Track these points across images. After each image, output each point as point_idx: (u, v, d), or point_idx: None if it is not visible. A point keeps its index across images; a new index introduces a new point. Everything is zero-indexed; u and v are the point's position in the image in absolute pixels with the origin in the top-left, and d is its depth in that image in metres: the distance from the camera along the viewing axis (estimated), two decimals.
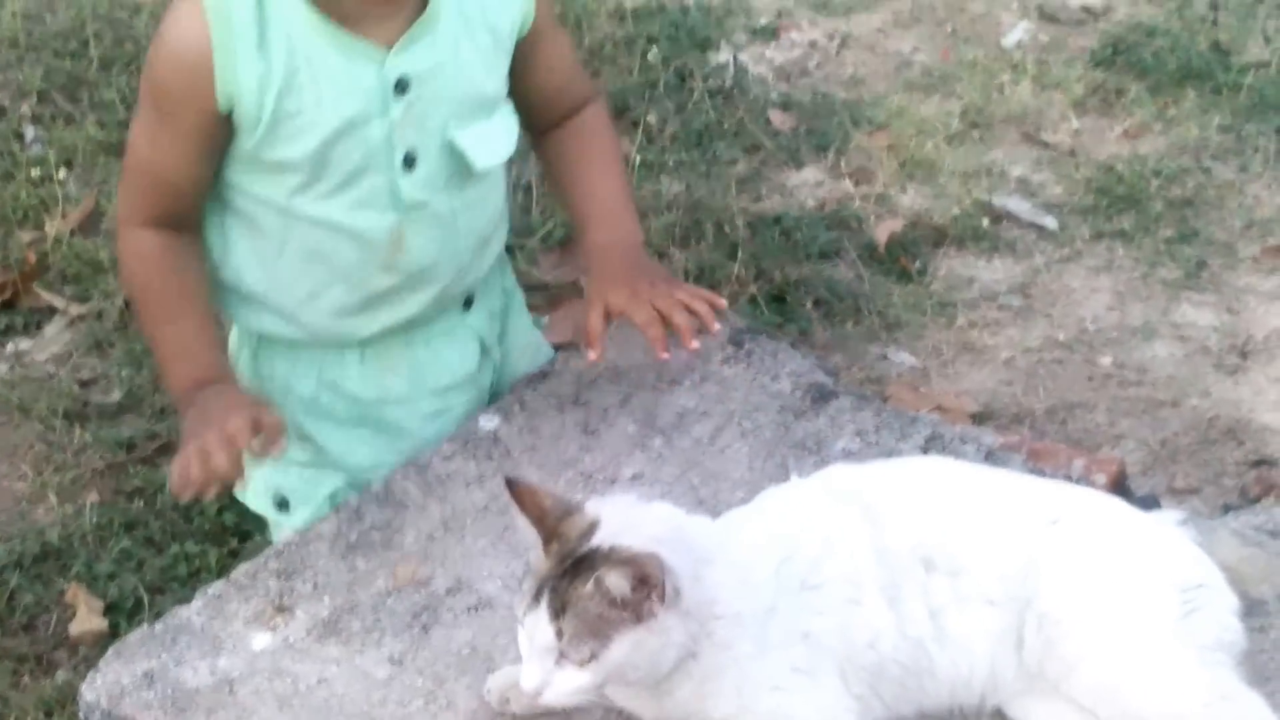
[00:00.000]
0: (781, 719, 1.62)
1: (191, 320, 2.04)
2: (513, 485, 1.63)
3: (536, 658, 1.56)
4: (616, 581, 1.53)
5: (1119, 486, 2.15)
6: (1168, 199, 3.80)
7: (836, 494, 1.75)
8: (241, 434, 1.86)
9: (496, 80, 2.09)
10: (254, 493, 2.22)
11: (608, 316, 2.11)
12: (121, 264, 2.12)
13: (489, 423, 2.13)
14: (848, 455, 2.04)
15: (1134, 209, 3.76)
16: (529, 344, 2.36)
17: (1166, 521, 1.80)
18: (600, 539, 1.58)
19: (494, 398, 2.24)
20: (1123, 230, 3.70)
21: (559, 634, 1.54)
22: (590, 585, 1.54)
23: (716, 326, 2.09)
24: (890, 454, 2.02)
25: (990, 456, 2.05)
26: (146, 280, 2.05)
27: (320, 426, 2.15)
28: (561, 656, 1.55)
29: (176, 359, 2.02)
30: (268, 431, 1.88)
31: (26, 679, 2.64)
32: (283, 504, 2.19)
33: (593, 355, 2.12)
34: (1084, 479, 2.11)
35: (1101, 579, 1.69)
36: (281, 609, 1.84)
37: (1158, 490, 2.93)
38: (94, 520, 2.89)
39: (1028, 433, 3.02)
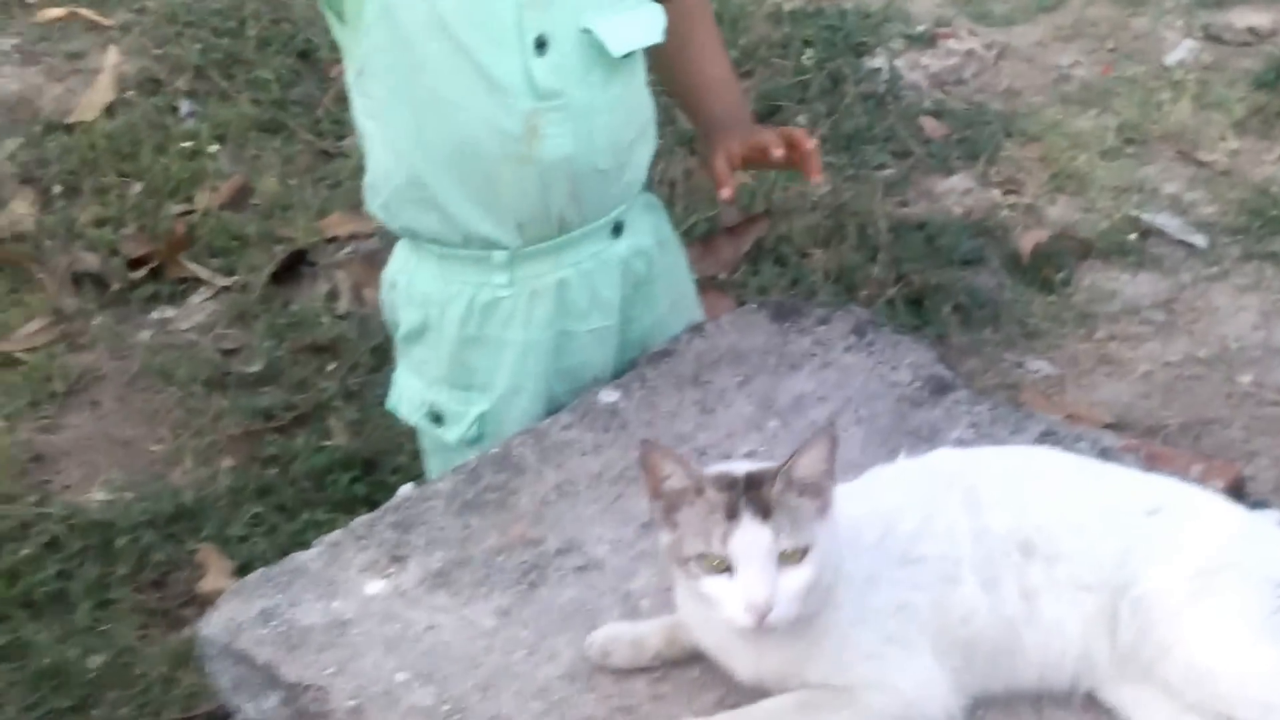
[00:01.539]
0: (874, 685, 1.65)
1: None
2: (648, 448, 1.63)
3: (758, 570, 1.56)
4: (810, 461, 1.58)
5: (1236, 493, 2.13)
6: None
7: (940, 475, 1.78)
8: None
9: None
10: (406, 406, 2.27)
11: (731, 163, 2.20)
12: None
13: (609, 396, 2.17)
14: (960, 444, 2.04)
15: None
16: (682, 296, 2.39)
17: (1268, 520, 1.80)
18: (750, 466, 1.63)
19: (631, 348, 2.27)
20: (1273, 252, 3.66)
21: (776, 532, 1.56)
22: (782, 478, 1.57)
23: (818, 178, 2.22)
24: (1001, 445, 2.03)
25: (1104, 455, 2.04)
26: None
27: (472, 349, 2.18)
28: (782, 560, 1.57)
29: None
30: None
31: (154, 632, 2.72)
32: (437, 417, 2.24)
33: (726, 192, 2.21)
34: (1200, 484, 2.10)
35: (1198, 568, 1.69)
36: (396, 559, 1.90)
37: None
38: (228, 485, 2.98)
39: (1150, 440, 3.00)
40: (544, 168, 2.10)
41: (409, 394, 2.28)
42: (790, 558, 1.57)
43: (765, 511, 1.57)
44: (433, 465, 2.28)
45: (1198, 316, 3.49)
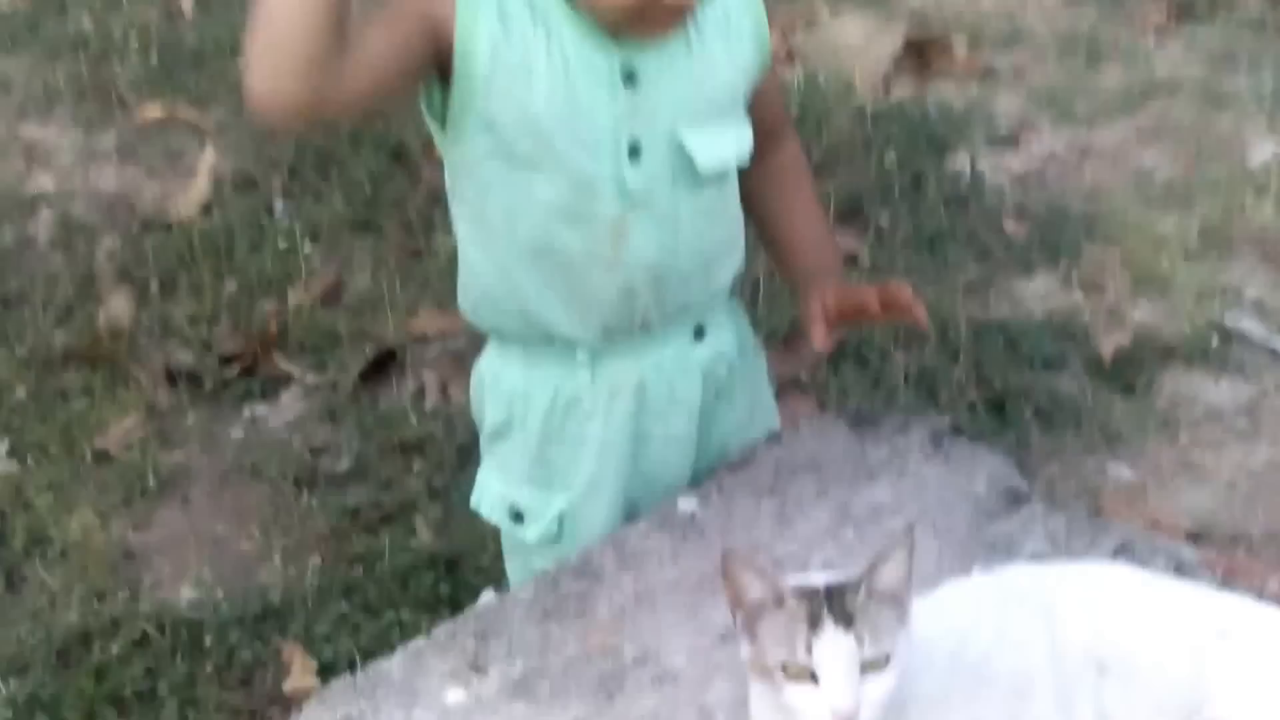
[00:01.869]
0: None
1: None
2: (730, 557, 1.65)
3: (842, 677, 1.57)
4: (892, 571, 1.60)
5: None
6: None
7: (1014, 591, 1.79)
8: None
9: (730, 88, 2.13)
10: (488, 505, 2.32)
11: (826, 315, 2.18)
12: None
13: (687, 505, 2.20)
14: (1036, 558, 2.06)
15: None
16: (761, 403, 2.42)
17: None
18: (829, 578, 1.64)
19: (708, 455, 2.30)
20: None
21: (859, 641, 1.57)
22: (866, 587, 1.59)
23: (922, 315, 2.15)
24: (1077, 559, 2.04)
25: (1180, 569, 2.05)
26: None
27: (553, 446, 2.22)
28: (866, 667, 1.58)
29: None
30: None
31: None
32: (517, 515, 2.28)
33: (819, 338, 2.20)
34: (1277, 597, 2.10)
35: (1269, 692, 1.70)
36: (476, 668, 1.93)
37: None
38: (315, 583, 3.03)
39: (1227, 552, 2.99)
40: (629, 270, 2.14)
41: (491, 492, 2.33)
42: (873, 666, 1.59)
43: (848, 620, 1.59)
44: (513, 566, 2.32)
45: None
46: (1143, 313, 3.83)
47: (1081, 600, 1.77)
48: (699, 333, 2.26)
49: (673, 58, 2.06)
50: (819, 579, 1.66)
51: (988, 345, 3.61)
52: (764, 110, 2.22)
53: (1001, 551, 2.09)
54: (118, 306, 3.81)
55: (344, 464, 3.35)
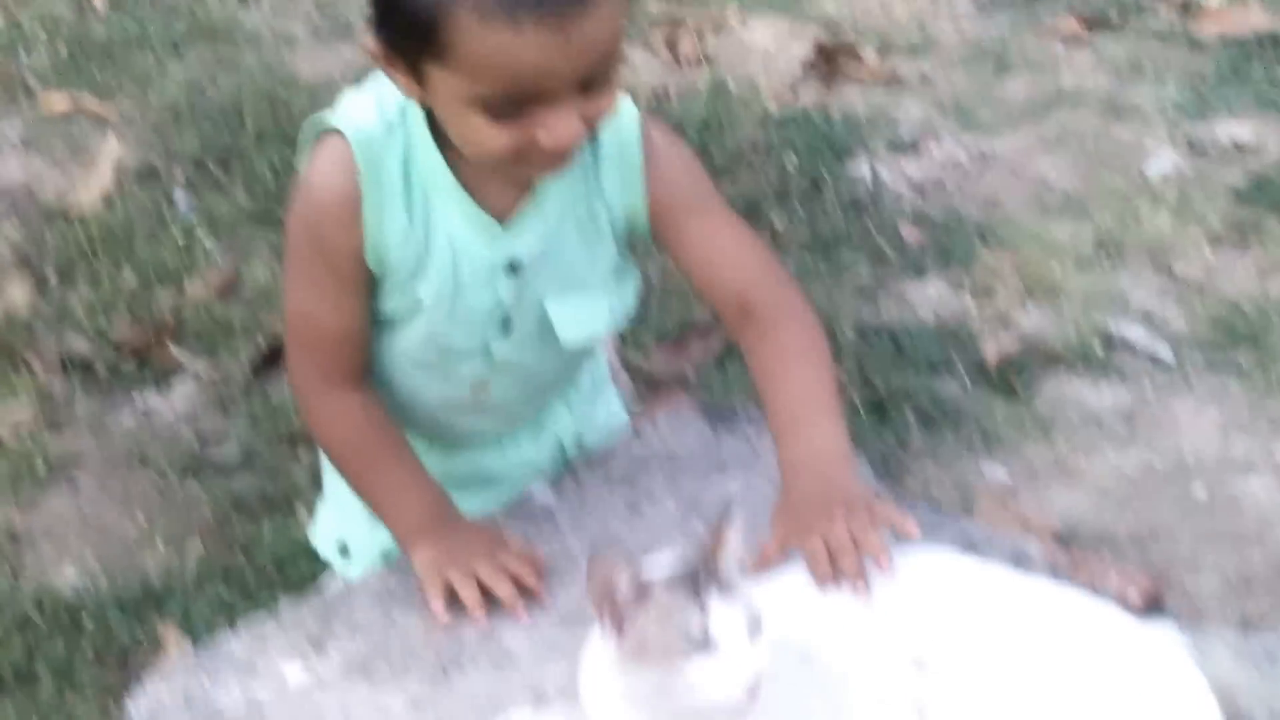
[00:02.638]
0: None
1: (408, 462, 2.13)
2: (594, 562, 1.67)
3: (739, 643, 1.63)
4: (732, 537, 1.66)
5: (1155, 605, 2.19)
6: None
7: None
8: (525, 571, 2.01)
9: (597, 262, 2.10)
10: (322, 537, 2.37)
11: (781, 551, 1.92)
12: (321, 430, 2.15)
13: (543, 496, 2.25)
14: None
15: (1253, 345, 3.76)
16: (613, 427, 2.48)
17: (1163, 634, 1.86)
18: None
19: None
20: (1238, 365, 3.71)
21: (742, 608, 1.64)
22: (723, 554, 1.66)
23: (885, 560, 1.83)
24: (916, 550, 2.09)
25: (1018, 562, 2.11)
26: (359, 439, 2.11)
27: None
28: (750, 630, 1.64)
29: (404, 500, 2.09)
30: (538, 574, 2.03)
31: (116, 711, 2.79)
32: (344, 550, 2.33)
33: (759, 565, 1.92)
34: (1118, 593, 2.16)
35: (1087, 686, 1.75)
36: (318, 647, 1.97)
37: (1230, 620, 2.96)
38: (195, 568, 3.07)
39: (1072, 549, 3.04)
40: (487, 410, 2.23)
41: (325, 525, 2.39)
42: (754, 628, 1.65)
43: (725, 589, 1.64)
44: None
45: (1157, 428, 3.55)
46: (1031, 319, 3.89)
47: (903, 594, 1.83)
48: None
49: (555, 244, 2.05)
50: (665, 560, 1.71)
51: (874, 348, 3.67)
52: (723, 287, 2.09)
53: None
54: (15, 294, 3.83)
55: (232, 453, 3.39)
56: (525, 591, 2.02)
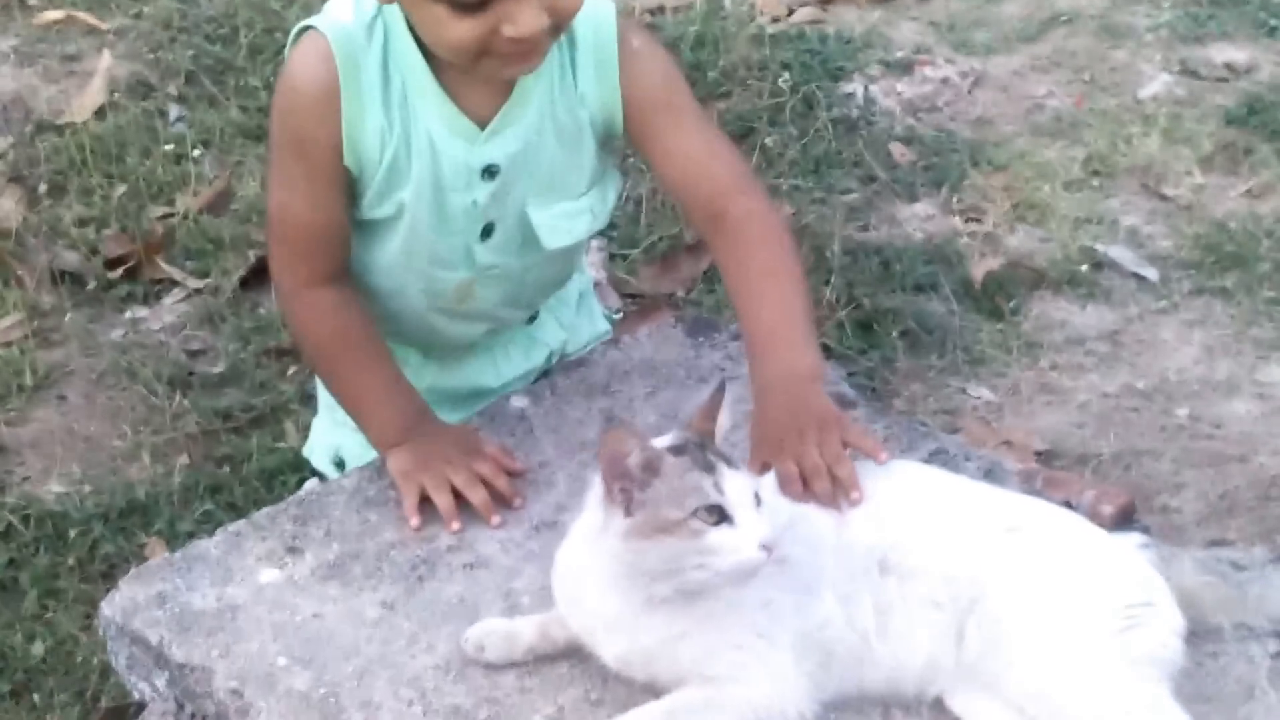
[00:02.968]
0: (736, 677, 1.74)
1: (386, 366, 2.15)
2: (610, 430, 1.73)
3: (752, 508, 1.69)
4: (722, 416, 1.76)
5: (1126, 519, 2.21)
6: (1277, 261, 3.79)
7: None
8: (498, 476, 2.04)
9: (578, 167, 2.13)
10: (317, 450, 2.39)
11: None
12: (300, 328, 2.18)
13: (519, 402, 2.27)
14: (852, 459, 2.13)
15: (1240, 267, 3.76)
16: (595, 335, 2.50)
17: (1128, 543, 1.88)
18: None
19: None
20: (1224, 287, 3.71)
21: (747, 475, 1.72)
22: (715, 432, 1.75)
23: (855, 494, 1.86)
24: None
25: (989, 475, 2.12)
26: (337, 338, 2.13)
27: None
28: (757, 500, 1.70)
29: (380, 404, 2.11)
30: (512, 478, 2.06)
31: (97, 623, 2.81)
32: (340, 464, 2.34)
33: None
34: (1091, 508, 2.17)
35: (1047, 586, 1.78)
36: (293, 550, 2.00)
37: (1210, 539, 2.97)
38: (181, 481, 3.07)
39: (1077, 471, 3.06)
40: (471, 315, 2.25)
41: (319, 438, 2.41)
42: (758, 498, 1.71)
43: (728, 461, 1.72)
44: None
45: (1142, 349, 3.55)
46: (1019, 240, 3.89)
47: (871, 501, 1.85)
48: (532, 318, 2.39)
49: (533, 148, 2.08)
50: (662, 440, 1.75)
51: (862, 267, 3.68)
52: (670, 166, 2.13)
53: None
54: (6, 206, 3.82)
55: (219, 368, 3.39)
56: (500, 498, 2.03)
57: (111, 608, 1.92)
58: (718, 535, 1.68)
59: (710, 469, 1.69)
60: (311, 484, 2.22)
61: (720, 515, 1.68)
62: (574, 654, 1.81)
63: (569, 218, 2.16)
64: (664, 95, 2.10)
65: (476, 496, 2.01)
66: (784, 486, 1.87)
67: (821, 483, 1.85)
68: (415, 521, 2.00)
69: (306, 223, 2.07)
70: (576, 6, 1.93)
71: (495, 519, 2.00)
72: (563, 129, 2.09)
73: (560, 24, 1.92)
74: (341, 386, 2.16)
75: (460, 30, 1.89)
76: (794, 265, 2.11)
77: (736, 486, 1.69)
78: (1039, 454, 3.17)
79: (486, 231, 2.13)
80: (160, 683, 1.86)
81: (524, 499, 2.05)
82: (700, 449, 1.72)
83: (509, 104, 2.04)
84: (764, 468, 1.91)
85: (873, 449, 1.92)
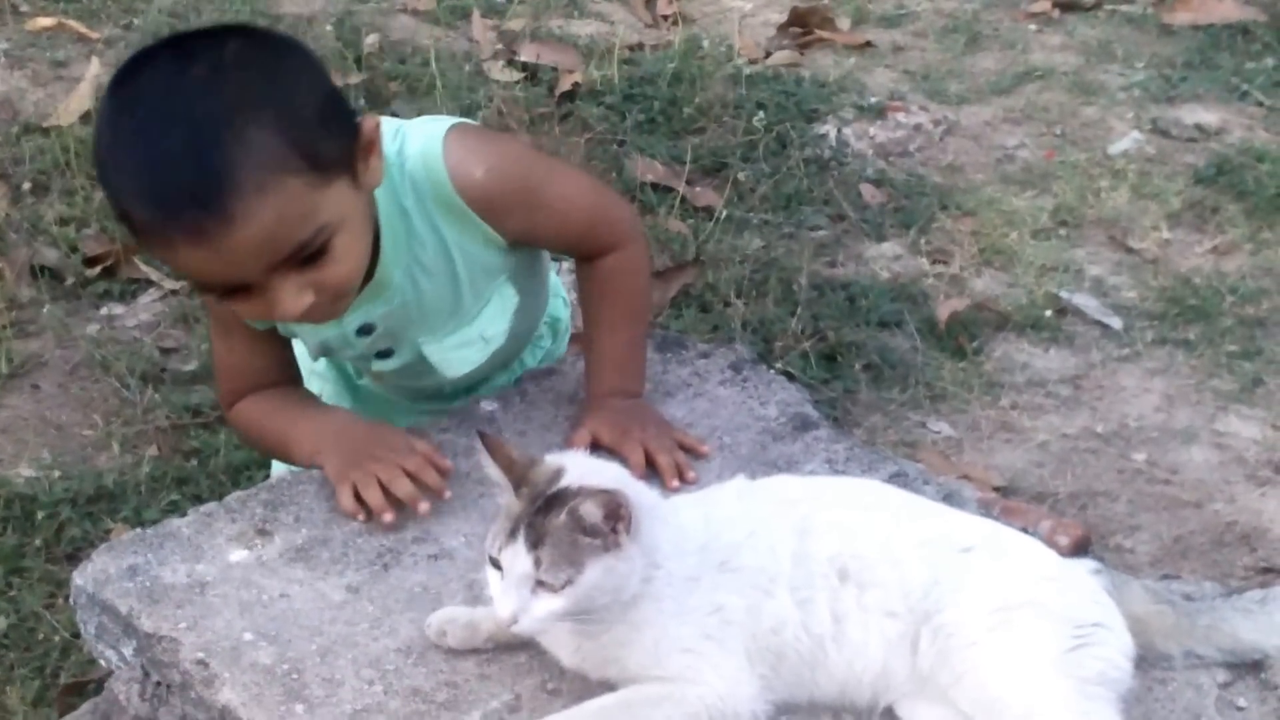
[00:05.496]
0: (688, 680, 1.78)
1: (305, 411, 2.24)
2: (484, 437, 1.80)
3: (513, 588, 1.72)
4: (590, 510, 1.71)
5: (1081, 552, 2.26)
6: (1240, 316, 3.85)
7: (775, 497, 1.92)
8: (425, 470, 2.09)
9: (459, 296, 2.21)
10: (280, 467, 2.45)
11: (593, 446, 2.17)
12: (236, 428, 2.32)
13: (489, 405, 2.32)
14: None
15: (1203, 320, 3.82)
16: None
17: (1081, 567, 1.93)
18: (568, 480, 1.76)
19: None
20: (1187, 339, 3.78)
21: (537, 563, 1.71)
22: (565, 515, 1.71)
23: (692, 475, 2.15)
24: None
25: (948, 499, 2.17)
26: (262, 425, 2.24)
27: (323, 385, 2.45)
28: (538, 585, 1.71)
29: (301, 433, 2.19)
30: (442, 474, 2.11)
31: (61, 602, 2.86)
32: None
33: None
34: (1048, 538, 2.22)
35: (1000, 603, 1.81)
36: (262, 532, 2.04)
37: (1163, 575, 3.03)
38: (149, 472, 3.13)
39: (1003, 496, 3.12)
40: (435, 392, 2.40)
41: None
42: (547, 586, 1.72)
43: (537, 540, 1.72)
44: None
45: (1102, 394, 3.62)
46: (984, 283, 3.96)
47: (835, 512, 1.90)
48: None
49: (408, 301, 2.16)
50: (577, 466, 1.79)
51: (828, 302, 3.74)
52: (556, 242, 2.31)
53: (781, 470, 2.21)
54: None
55: (191, 365, 3.45)
56: (429, 491, 2.09)
57: (83, 577, 1.96)
58: (490, 576, 1.76)
59: (513, 533, 1.73)
60: (282, 470, 2.27)
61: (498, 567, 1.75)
62: (533, 645, 1.85)
63: (461, 347, 2.26)
64: (518, 194, 2.17)
65: (400, 489, 2.07)
66: (634, 469, 2.09)
67: (665, 457, 2.15)
68: (361, 517, 2.06)
69: (243, 367, 2.24)
70: (342, 277, 1.98)
71: (423, 506, 2.06)
72: (435, 272, 2.16)
73: (337, 290, 1.99)
74: (275, 450, 2.29)
75: (243, 310, 2.03)
76: (644, 308, 2.33)
77: (514, 561, 1.72)
78: (997, 489, 3.22)
79: (383, 355, 2.25)
80: (128, 651, 1.90)
81: (452, 493, 2.10)
82: (532, 511, 1.74)
83: (370, 287, 2.12)
84: (595, 443, 2.15)
85: (697, 446, 2.21)
